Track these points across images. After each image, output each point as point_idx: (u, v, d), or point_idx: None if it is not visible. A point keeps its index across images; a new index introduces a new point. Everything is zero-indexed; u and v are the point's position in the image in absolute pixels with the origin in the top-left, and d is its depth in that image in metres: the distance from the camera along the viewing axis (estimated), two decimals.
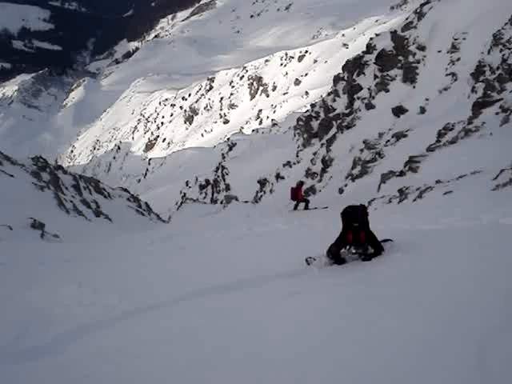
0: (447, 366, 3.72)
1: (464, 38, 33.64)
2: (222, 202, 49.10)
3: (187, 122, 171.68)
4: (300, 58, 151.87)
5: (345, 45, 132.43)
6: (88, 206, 33.37)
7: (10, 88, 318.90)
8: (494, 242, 6.73)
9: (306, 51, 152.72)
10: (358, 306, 5.42)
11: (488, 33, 30.29)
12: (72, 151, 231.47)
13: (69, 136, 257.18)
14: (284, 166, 47.87)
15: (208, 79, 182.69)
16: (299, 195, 23.05)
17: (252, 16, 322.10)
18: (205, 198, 63.99)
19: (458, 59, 33.44)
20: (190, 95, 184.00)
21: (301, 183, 24.12)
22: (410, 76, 36.24)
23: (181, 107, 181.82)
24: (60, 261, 13.69)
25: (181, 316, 6.34)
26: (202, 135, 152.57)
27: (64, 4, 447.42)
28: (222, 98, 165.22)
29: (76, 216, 29.85)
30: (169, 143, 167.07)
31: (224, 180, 59.03)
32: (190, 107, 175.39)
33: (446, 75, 33.62)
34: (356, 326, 4.82)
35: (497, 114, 21.34)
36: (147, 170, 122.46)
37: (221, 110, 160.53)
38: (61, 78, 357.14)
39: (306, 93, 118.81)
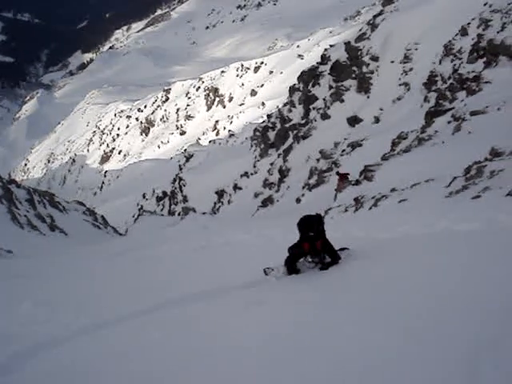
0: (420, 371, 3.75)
1: (416, 49, 34.40)
2: (179, 214, 48.94)
3: (143, 134, 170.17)
4: (256, 69, 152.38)
5: (300, 56, 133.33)
6: (43, 220, 32.78)
7: None
8: (449, 248, 6.86)
9: (262, 62, 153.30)
10: (318, 314, 5.43)
11: (439, 43, 31.01)
12: (26, 164, 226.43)
13: (22, 149, 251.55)
14: (241, 176, 48.01)
15: (164, 90, 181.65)
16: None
17: (207, 27, 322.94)
18: (162, 210, 63.64)
19: (411, 69, 34.16)
20: (145, 107, 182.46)
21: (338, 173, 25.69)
22: (364, 86, 36.83)
23: (137, 119, 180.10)
24: (14, 277, 13.38)
25: (139, 330, 6.25)
26: (159, 147, 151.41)
27: (16, 15, 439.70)
28: (178, 110, 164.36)
29: (30, 231, 29.30)
30: (125, 155, 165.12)
31: (181, 191, 58.75)
32: (146, 119, 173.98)
33: (399, 85, 34.29)
34: (317, 334, 4.82)
35: (449, 122, 21.78)
36: (103, 182, 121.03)
37: (177, 121, 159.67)
38: (14, 90, 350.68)
39: (263, 104, 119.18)
